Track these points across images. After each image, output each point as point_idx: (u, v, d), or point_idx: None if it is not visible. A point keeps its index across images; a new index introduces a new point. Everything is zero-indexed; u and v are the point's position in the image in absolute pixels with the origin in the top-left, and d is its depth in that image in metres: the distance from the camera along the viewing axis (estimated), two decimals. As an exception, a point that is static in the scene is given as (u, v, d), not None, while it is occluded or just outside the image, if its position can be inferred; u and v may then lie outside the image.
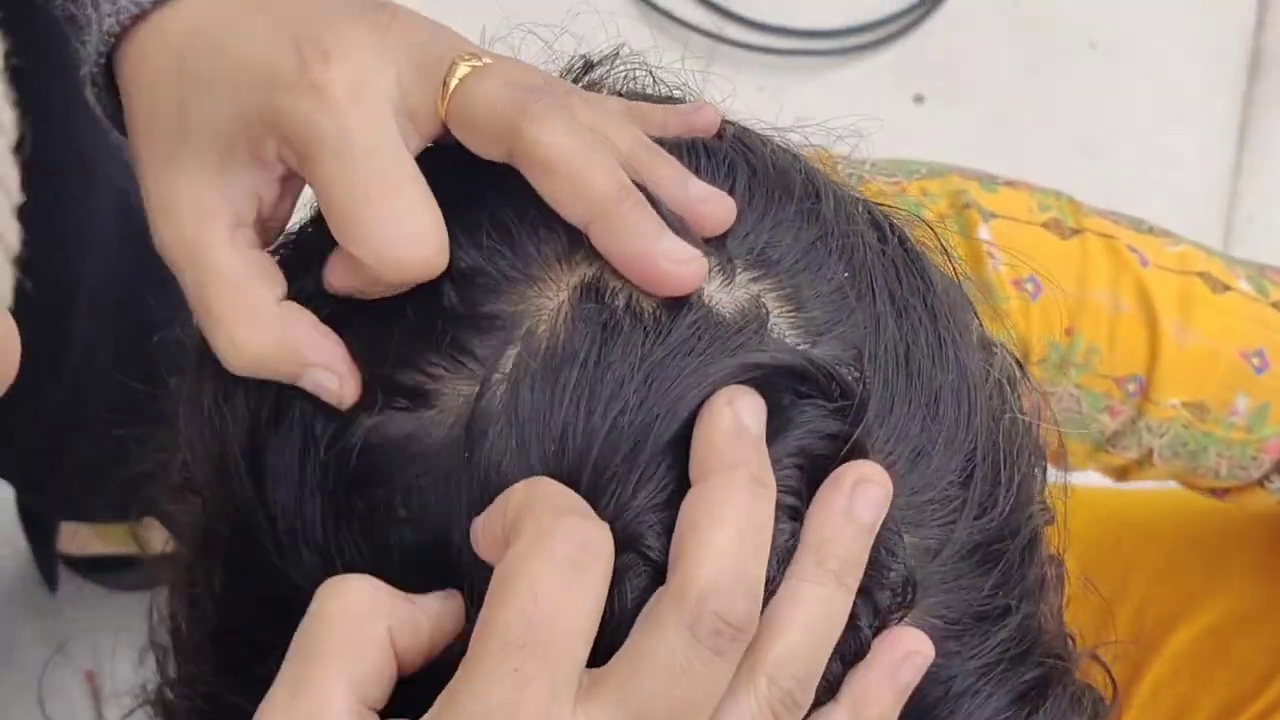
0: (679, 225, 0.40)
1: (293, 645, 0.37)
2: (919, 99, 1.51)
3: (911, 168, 0.70)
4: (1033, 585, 0.44)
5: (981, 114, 1.50)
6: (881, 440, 0.40)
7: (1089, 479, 0.73)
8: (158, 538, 1.17)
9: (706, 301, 0.40)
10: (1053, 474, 0.50)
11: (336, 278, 0.42)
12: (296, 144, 0.41)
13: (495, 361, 0.39)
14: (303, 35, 0.41)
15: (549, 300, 0.40)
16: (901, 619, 0.40)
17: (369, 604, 0.37)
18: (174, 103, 0.43)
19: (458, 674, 0.35)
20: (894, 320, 0.42)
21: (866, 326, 0.42)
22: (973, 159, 1.46)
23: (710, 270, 0.40)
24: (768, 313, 0.40)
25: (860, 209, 0.45)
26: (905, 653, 0.39)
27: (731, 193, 0.42)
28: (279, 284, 0.43)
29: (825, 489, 0.38)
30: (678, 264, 0.39)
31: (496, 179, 0.41)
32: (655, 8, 1.52)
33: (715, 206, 0.41)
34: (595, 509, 0.37)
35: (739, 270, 0.41)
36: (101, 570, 1.20)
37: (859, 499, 0.38)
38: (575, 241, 0.40)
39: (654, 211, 0.40)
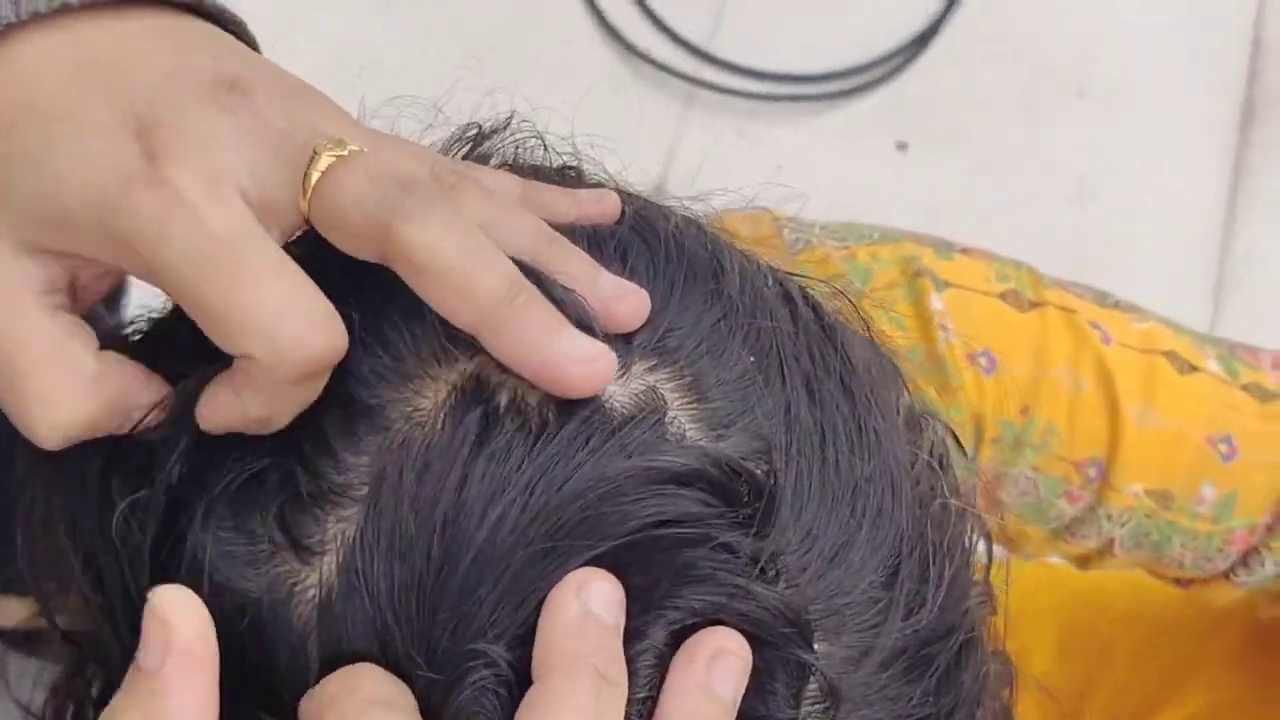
0: (585, 316, 0.37)
1: None
2: (902, 146, 1.47)
3: (862, 232, 0.66)
4: (970, 689, 0.40)
5: (967, 161, 1.46)
6: (795, 540, 0.37)
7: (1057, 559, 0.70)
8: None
9: (599, 396, 0.36)
10: (1003, 554, 0.46)
11: (216, 410, 0.37)
12: (144, 249, 0.36)
13: (361, 476, 0.36)
14: (146, 122, 0.37)
15: (425, 400, 0.36)
16: None
17: None
18: None
19: None
20: (806, 406, 0.39)
21: (775, 415, 0.38)
22: (958, 207, 1.45)
23: None
24: (666, 404, 0.37)
25: (770, 282, 0.42)
26: None
27: (630, 279, 0.39)
28: (92, 339, 0.39)
29: (679, 664, 0.34)
30: (582, 364, 0.35)
31: (364, 268, 0.37)
32: (634, 51, 1.49)
33: (628, 303, 0.38)
34: (445, 653, 0.34)
35: (635, 360, 0.38)
36: (36, 642, 1.16)
37: (717, 674, 0.34)
38: (453, 334, 0.37)
39: (549, 306, 0.36)
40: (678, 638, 0.35)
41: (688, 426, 0.37)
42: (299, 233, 0.38)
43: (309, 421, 0.37)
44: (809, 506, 0.37)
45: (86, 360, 0.38)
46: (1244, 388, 0.62)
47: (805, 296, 0.42)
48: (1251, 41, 1.53)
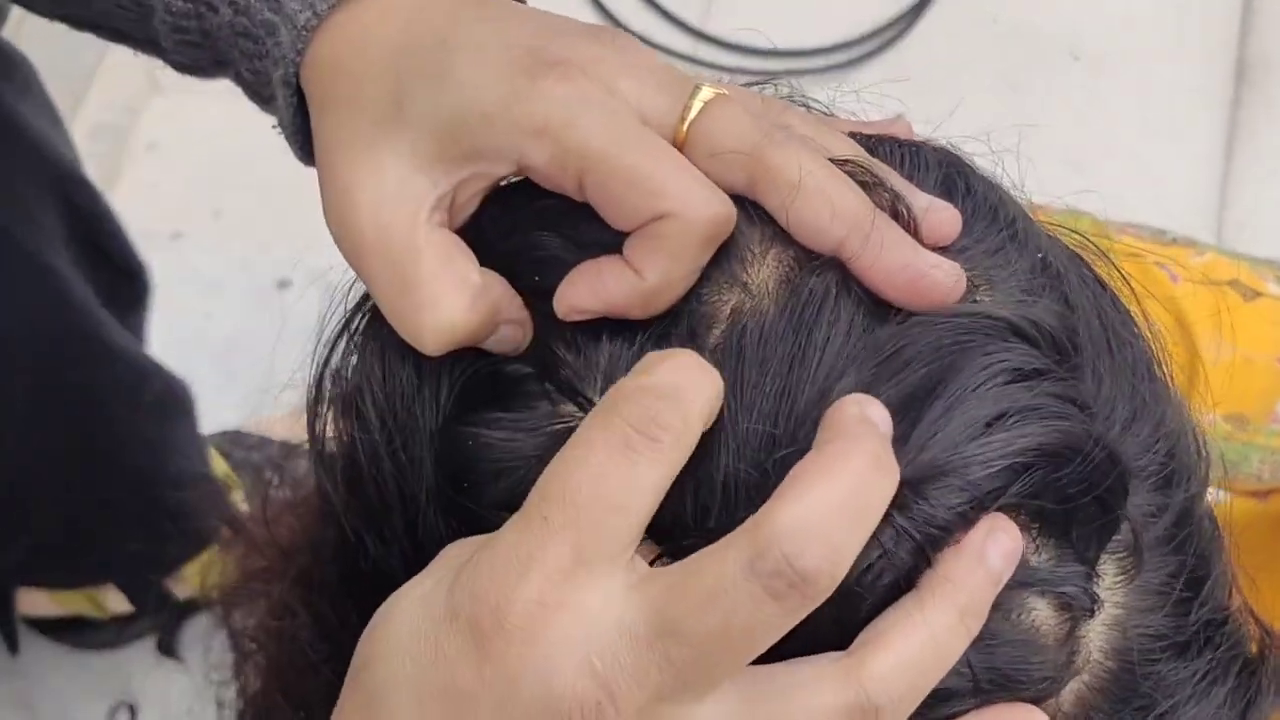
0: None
1: None
2: (899, 117, 1.48)
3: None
4: (1209, 534, 0.43)
5: (963, 129, 1.47)
6: (1099, 405, 0.40)
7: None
8: (115, 600, 1.15)
9: None
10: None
11: (600, 289, 0.40)
12: (562, 127, 0.40)
13: (706, 339, 0.40)
14: (537, 45, 0.42)
15: (759, 273, 0.40)
16: (1129, 582, 0.40)
17: None
18: (388, 91, 0.43)
19: None
20: (1083, 294, 0.43)
21: (1063, 300, 0.42)
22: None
23: None
24: (974, 286, 0.40)
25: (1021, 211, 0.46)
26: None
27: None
28: (472, 255, 0.43)
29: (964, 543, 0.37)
30: (948, 275, 0.39)
31: None
32: (629, 32, 1.49)
33: (945, 215, 0.41)
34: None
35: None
36: (64, 630, 1.17)
37: (992, 545, 0.36)
38: (752, 223, 0.41)
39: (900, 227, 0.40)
40: (1011, 476, 0.37)
41: (994, 306, 0.40)
42: None
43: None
44: (1105, 378, 0.41)
45: (472, 274, 0.42)
46: None
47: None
48: (1242, 2, 1.55)
